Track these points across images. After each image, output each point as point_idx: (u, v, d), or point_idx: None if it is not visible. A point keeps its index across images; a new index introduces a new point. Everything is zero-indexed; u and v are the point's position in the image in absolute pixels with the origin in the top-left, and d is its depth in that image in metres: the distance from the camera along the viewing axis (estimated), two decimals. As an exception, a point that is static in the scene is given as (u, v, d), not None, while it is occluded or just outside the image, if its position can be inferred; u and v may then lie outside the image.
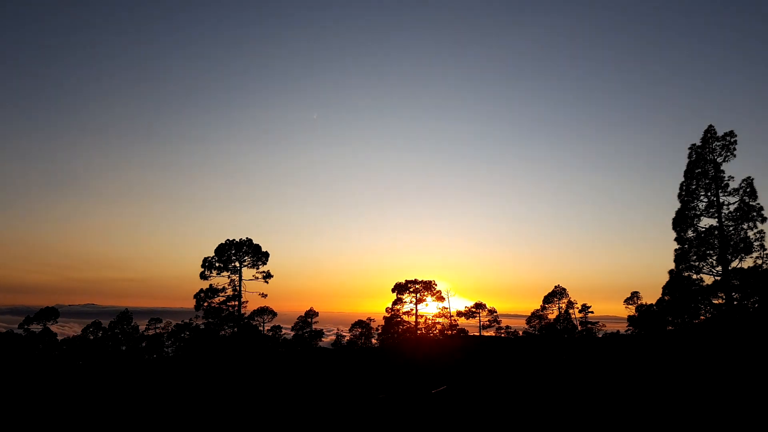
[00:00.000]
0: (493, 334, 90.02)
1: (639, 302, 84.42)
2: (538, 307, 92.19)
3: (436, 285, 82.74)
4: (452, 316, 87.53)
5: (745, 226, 41.80)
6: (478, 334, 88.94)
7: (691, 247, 43.73)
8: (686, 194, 44.43)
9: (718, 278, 42.63)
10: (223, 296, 67.38)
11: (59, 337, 74.81)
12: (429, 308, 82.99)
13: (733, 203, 42.55)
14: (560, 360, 56.16)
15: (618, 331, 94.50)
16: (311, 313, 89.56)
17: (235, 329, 68.62)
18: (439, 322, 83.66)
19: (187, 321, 76.66)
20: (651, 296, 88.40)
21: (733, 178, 42.80)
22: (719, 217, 42.98)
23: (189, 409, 34.60)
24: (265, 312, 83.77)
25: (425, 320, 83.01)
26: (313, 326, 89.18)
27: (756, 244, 41.38)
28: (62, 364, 68.29)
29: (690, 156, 44.82)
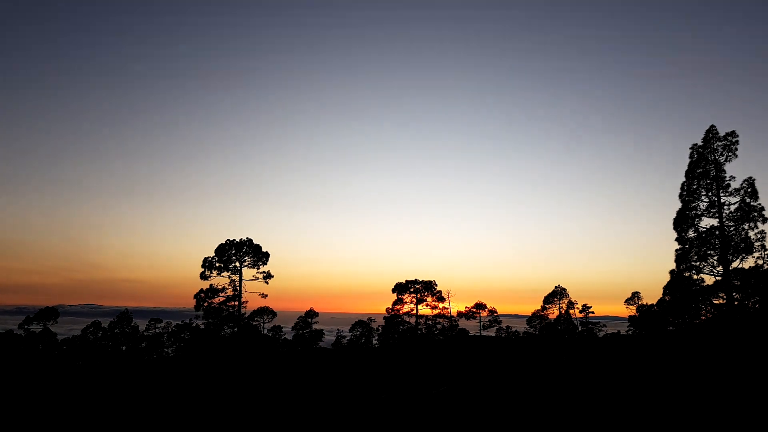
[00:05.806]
0: (494, 335, 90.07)
1: (640, 302, 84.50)
2: (539, 308, 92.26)
3: (436, 285, 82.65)
4: (453, 316, 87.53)
5: (746, 227, 41.78)
6: (478, 334, 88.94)
7: (692, 247, 43.70)
8: (687, 194, 44.39)
9: (719, 278, 42.60)
10: (223, 296, 67.34)
11: (59, 338, 74.75)
12: (429, 308, 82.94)
13: (734, 203, 42.52)
14: (561, 360, 56.07)
15: (619, 331, 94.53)
16: (311, 314, 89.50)
17: (235, 329, 68.57)
18: (439, 323, 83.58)
19: (187, 321, 76.68)
20: (652, 296, 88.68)
21: (734, 178, 42.79)
22: (720, 218, 42.92)
23: (189, 410, 34.55)
24: (265, 312, 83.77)
25: (426, 320, 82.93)
26: (313, 326, 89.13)
27: (757, 244, 41.38)
28: (62, 364, 68.23)
29: (691, 156, 44.77)
